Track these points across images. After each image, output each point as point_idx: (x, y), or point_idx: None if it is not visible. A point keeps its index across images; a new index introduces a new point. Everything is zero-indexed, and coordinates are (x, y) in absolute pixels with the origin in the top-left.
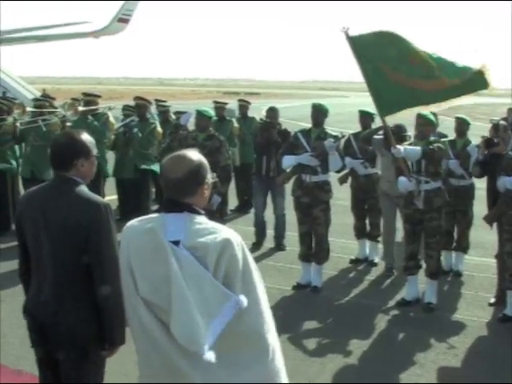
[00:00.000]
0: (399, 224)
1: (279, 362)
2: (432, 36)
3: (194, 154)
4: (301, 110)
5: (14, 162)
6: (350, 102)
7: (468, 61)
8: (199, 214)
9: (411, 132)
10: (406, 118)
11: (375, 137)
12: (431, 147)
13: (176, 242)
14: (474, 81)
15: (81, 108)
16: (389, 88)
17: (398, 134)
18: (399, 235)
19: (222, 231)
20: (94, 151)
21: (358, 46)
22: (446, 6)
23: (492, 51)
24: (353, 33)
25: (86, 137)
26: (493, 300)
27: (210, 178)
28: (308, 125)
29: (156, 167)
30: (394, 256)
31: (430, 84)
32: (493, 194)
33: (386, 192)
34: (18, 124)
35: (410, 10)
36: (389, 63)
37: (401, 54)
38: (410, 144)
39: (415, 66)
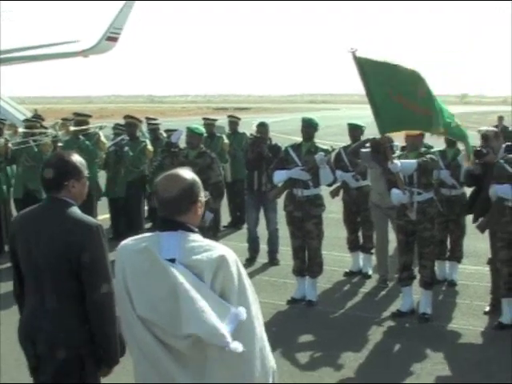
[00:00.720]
0: (392, 235)
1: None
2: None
3: (187, 173)
4: (290, 123)
5: (4, 185)
6: (341, 114)
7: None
8: (193, 232)
9: (397, 142)
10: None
11: (363, 150)
12: (425, 159)
13: (172, 260)
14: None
15: (72, 128)
16: (390, 107)
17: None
18: (392, 247)
19: (217, 248)
20: (85, 172)
21: (364, 66)
22: (443, 14)
23: (481, 59)
24: (360, 54)
25: (76, 158)
26: (488, 308)
27: (203, 196)
28: (298, 138)
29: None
30: (388, 267)
31: (423, 109)
32: (480, 203)
33: (376, 204)
34: (10, 145)
35: (402, 14)
36: (393, 87)
37: (405, 78)
38: (401, 156)
39: (420, 97)
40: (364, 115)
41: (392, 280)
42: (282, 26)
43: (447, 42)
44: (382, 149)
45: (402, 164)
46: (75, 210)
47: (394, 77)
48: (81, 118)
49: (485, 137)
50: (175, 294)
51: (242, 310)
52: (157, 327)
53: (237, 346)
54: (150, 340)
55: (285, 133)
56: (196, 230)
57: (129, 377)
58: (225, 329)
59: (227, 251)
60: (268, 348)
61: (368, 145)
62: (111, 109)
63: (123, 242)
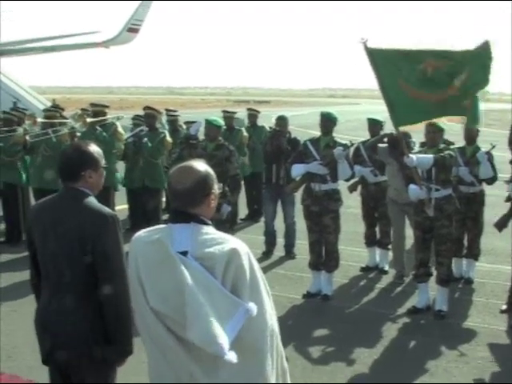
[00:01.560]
0: (409, 231)
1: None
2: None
3: (201, 165)
4: (310, 117)
5: (23, 174)
6: (361, 109)
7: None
8: (206, 224)
9: (415, 138)
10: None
11: (380, 145)
12: (442, 155)
13: (184, 253)
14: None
15: (89, 119)
16: (404, 100)
17: (404, 141)
18: (409, 242)
19: (229, 241)
20: (102, 162)
21: (375, 58)
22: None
23: (501, 56)
24: (371, 44)
25: (93, 148)
26: (504, 307)
27: (217, 188)
28: (317, 133)
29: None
30: (404, 263)
31: (436, 96)
32: None
33: (393, 199)
34: (27, 137)
35: (415, 13)
36: (404, 77)
37: (414, 65)
38: (420, 152)
39: (427, 78)
40: (384, 110)
41: (408, 276)
42: (306, 19)
43: (453, 42)
44: (398, 144)
45: (418, 159)
46: (92, 200)
47: (403, 64)
48: (98, 109)
49: None
50: (182, 293)
51: (252, 306)
52: (169, 319)
53: (231, 358)
54: (163, 332)
55: (304, 127)
56: (209, 222)
57: (144, 368)
58: (224, 337)
59: (239, 244)
60: (281, 346)
61: (385, 140)
62: (131, 100)
63: (136, 234)
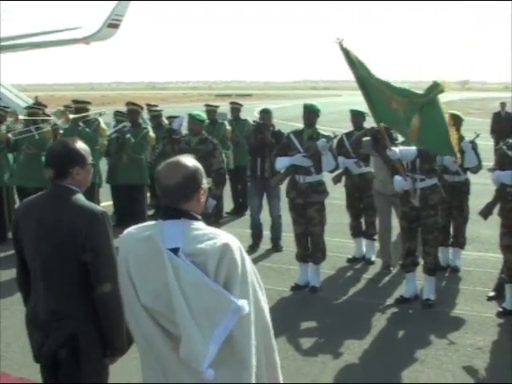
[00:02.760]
0: (395, 222)
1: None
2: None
3: (189, 160)
4: (292, 110)
5: (7, 173)
6: (342, 100)
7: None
8: (196, 219)
9: None
10: None
11: (364, 139)
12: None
13: (175, 249)
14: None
15: (71, 116)
16: (380, 100)
17: (386, 134)
18: (395, 233)
19: (221, 236)
20: (89, 159)
21: (351, 57)
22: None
23: (484, 46)
24: (346, 44)
25: (80, 145)
26: (492, 294)
27: (206, 183)
28: (300, 125)
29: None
30: (391, 254)
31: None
32: None
33: (380, 191)
34: (10, 135)
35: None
36: (376, 80)
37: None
38: (404, 143)
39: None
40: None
41: (395, 266)
42: (285, 12)
43: (452, 42)
44: (381, 137)
45: (401, 151)
46: (80, 198)
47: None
48: (80, 105)
49: None
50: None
51: (244, 303)
52: (161, 316)
53: (208, 377)
54: (154, 330)
55: (286, 119)
56: (199, 217)
57: (137, 367)
58: (204, 354)
59: (231, 239)
60: (273, 340)
61: (368, 134)
62: (112, 96)
63: (126, 231)
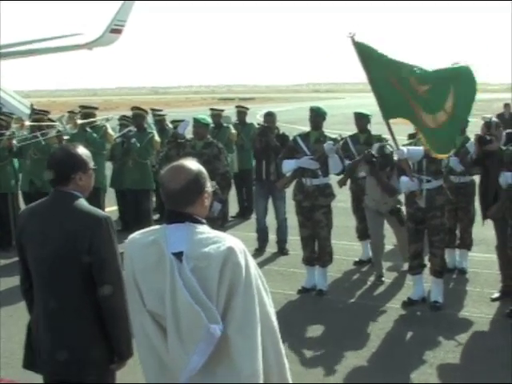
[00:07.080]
0: (386, 232)
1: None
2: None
3: (193, 164)
4: (295, 113)
5: (13, 180)
6: (345, 103)
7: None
8: (201, 223)
9: (402, 130)
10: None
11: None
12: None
13: (179, 254)
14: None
15: (79, 121)
16: (393, 93)
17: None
18: (392, 238)
19: (225, 240)
20: (91, 164)
21: (363, 50)
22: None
23: (487, 47)
24: (359, 39)
25: (82, 150)
26: (496, 295)
27: (210, 186)
28: (303, 127)
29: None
30: (381, 266)
31: (427, 118)
32: (486, 191)
33: (372, 209)
34: (14, 141)
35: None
36: (394, 75)
37: (403, 76)
38: (410, 143)
39: (417, 94)
40: (368, 103)
41: (399, 269)
42: (287, 16)
43: (454, 41)
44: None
45: (409, 151)
46: (83, 203)
47: (390, 63)
48: (87, 111)
49: (488, 124)
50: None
51: (215, 328)
52: (165, 320)
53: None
54: (159, 335)
55: (289, 122)
56: (204, 221)
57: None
58: (183, 366)
59: (235, 242)
60: (280, 343)
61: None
62: (116, 101)
63: (131, 236)
